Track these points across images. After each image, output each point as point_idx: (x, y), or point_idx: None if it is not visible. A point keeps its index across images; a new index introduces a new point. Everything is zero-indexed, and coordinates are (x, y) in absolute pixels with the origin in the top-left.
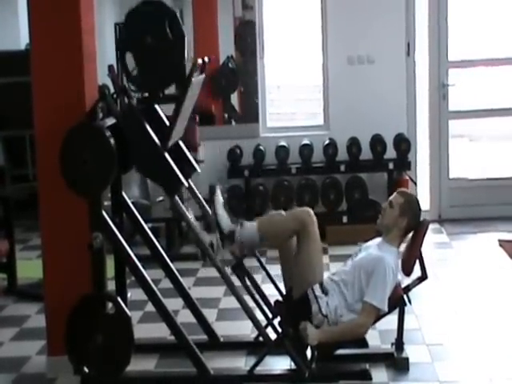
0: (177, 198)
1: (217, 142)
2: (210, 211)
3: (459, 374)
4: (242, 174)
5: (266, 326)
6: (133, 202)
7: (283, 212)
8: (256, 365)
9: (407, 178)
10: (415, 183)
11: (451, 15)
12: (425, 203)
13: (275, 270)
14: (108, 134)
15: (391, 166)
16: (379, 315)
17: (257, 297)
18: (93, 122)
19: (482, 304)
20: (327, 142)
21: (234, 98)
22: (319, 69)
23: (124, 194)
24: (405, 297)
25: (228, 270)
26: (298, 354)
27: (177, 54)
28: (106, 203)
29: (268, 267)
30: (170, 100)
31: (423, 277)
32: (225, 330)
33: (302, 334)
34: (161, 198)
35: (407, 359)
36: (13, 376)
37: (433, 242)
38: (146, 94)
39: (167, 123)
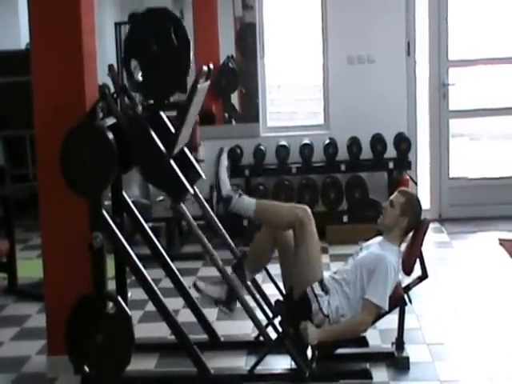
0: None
1: (217, 142)
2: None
3: (460, 373)
4: (243, 174)
5: (267, 326)
6: (133, 202)
7: (284, 204)
8: (256, 364)
9: (407, 177)
10: (415, 183)
11: (451, 15)
12: (425, 202)
13: (276, 269)
14: (108, 133)
15: (391, 165)
16: (380, 313)
17: (257, 296)
18: (93, 121)
19: (482, 303)
20: (327, 141)
21: (235, 98)
22: (319, 68)
23: (124, 193)
24: (405, 296)
25: (228, 269)
26: (298, 353)
27: (182, 61)
28: (106, 203)
29: (268, 267)
30: (176, 107)
31: (424, 276)
32: (225, 329)
33: (302, 333)
34: (161, 198)
35: (408, 358)
36: (13, 376)
37: (433, 241)
38: (151, 101)
39: (172, 130)
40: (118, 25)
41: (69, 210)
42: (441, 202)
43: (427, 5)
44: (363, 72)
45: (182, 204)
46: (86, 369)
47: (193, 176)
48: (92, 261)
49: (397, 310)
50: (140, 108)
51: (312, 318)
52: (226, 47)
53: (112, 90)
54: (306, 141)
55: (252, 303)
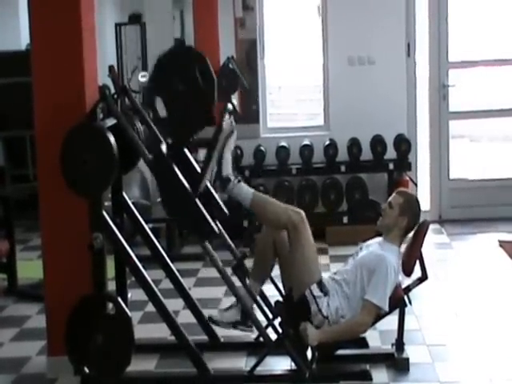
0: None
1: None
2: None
3: (459, 374)
4: (243, 175)
5: (267, 327)
6: (133, 203)
7: (280, 203)
8: (256, 365)
9: (407, 178)
10: (415, 184)
11: (451, 16)
12: (425, 204)
13: (275, 270)
14: (108, 134)
15: (391, 166)
16: (379, 314)
17: (257, 297)
18: (93, 122)
19: (482, 304)
20: (327, 142)
21: (235, 99)
22: (320, 69)
23: (124, 194)
24: (405, 297)
25: (228, 270)
26: (298, 354)
27: (207, 99)
28: (106, 203)
29: None
30: (201, 145)
31: (423, 277)
32: (225, 330)
33: (302, 334)
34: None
35: (407, 360)
36: (13, 376)
37: (433, 242)
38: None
39: (196, 167)
40: (118, 25)
41: (69, 211)
42: (441, 204)
43: (427, 6)
44: (363, 73)
45: (207, 245)
46: (86, 369)
47: (217, 213)
48: (92, 261)
49: (397, 311)
50: (164, 145)
51: (311, 319)
52: (226, 48)
53: (112, 90)
54: (306, 142)
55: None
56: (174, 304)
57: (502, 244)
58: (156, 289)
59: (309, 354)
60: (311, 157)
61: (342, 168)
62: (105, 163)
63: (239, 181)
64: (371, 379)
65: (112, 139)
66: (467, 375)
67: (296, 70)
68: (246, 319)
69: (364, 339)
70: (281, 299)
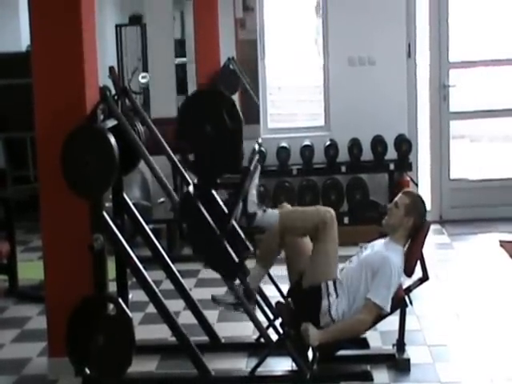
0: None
1: None
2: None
3: (460, 374)
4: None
5: (268, 327)
6: (134, 204)
7: (307, 208)
8: (257, 366)
9: (408, 178)
10: (416, 184)
11: (452, 16)
12: (426, 204)
13: (276, 271)
14: (109, 135)
15: (392, 166)
16: (381, 314)
17: (258, 298)
18: (94, 123)
19: (483, 305)
20: (328, 142)
21: (236, 100)
22: (320, 70)
23: (125, 195)
24: (406, 298)
25: None
26: (299, 355)
27: (234, 142)
28: (107, 204)
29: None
30: (230, 187)
31: (424, 278)
32: (226, 331)
33: (303, 334)
34: (162, 200)
35: (408, 360)
36: (14, 378)
37: (434, 242)
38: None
39: (223, 207)
40: (118, 26)
41: (69, 212)
42: (441, 204)
43: (428, 7)
44: (364, 73)
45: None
46: (87, 370)
47: (242, 251)
48: (93, 262)
49: (398, 312)
50: (192, 187)
51: (319, 317)
52: (227, 49)
53: (113, 91)
54: (307, 142)
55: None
56: (174, 305)
57: (503, 244)
58: (157, 290)
59: (310, 354)
60: (312, 157)
61: (343, 168)
62: (105, 164)
63: (264, 210)
64: (372, 380)
65: (113, 140)
66: (468, 375)
67: (296, 70)
68: (249, 301)
69: (365, 340)
70: (282, 300)
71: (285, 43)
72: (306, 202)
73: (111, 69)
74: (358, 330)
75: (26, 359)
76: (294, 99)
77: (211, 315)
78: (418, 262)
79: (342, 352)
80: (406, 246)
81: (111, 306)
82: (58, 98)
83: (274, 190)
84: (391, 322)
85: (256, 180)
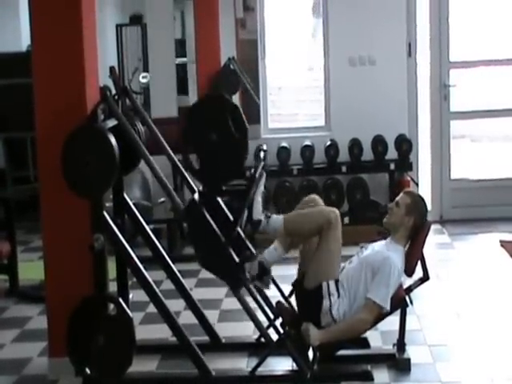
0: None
1: None
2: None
3: (461, 374)
4: (244, 175)
5: (268, 327)
6: (134, 204)
7: (312, 209)
8: (258, 366)
9: (409, 178)
10: (417, 184)
11: (452, 16)
12: (427, 204)
13: (277, 270)
14: (109, 135)
15: (392, 166)
16: (381, 314)
17: (258, 298)
18: (94, 123)
19: (483, 304)
20: (328, 142)
21: (236, 99)
22: (320, 70)
23: (125, 195)
24: (406, 297)
25: None
26: (299, 354)
27: (239, 149)
28: (107, 204)
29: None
30: (234, 194)
31: (425, 277)
32: (226, 331)
33: (303, 334)
34: (162, 200)
35: (409, 360)
36: (14, 378)
37: (434, 242)
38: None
39: (229, 215)
40: (119, 26)
41: (70, 212)
42: (442, 204)
43: (428, 6)
44: (364, 73)
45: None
46: (88, 371)
47: (246, 254)
48: (93, 262)
49: (398, 312)
50: (197, 194)
51: (320, 317)
52: (227, 49)
53: (113, 91)
54: (307, 142)
55: (253, 304)
56: (175, 305)
57: (504, 244)
58: (157, 289)
59: (310, 354)
60: (312, 157)
61: (343, 168)
62: (106, 164)
63: (269, 216)
64: (373, 379)
65: (113, 140)
66: (469, 375)
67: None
68: (262, 276)
69: (365, 339)
70: (282, 300)
71: (285, 43)
72: None
73: (112, 69)
74: (358, 330)
75: (27, 359)
76: (294, 99)
77: (212, 315)
78: (419, 262)
79: (342, 352)
80: (407, 246)
81: (112, 305)
82: (59, 98)
83: (275, 190)
84: (392, 322)
85: (261, 187)
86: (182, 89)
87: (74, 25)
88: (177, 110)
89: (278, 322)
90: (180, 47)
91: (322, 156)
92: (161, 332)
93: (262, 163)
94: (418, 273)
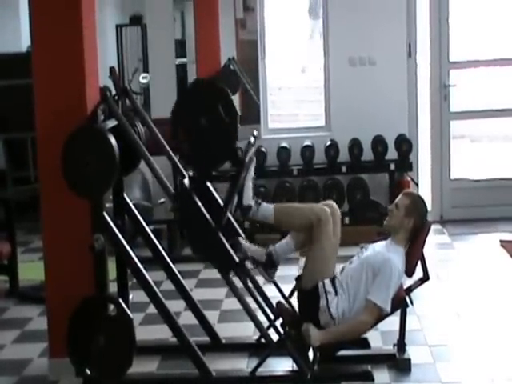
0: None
1: None
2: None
3: (461, 374)
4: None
5: (268, 328)
6: (134, 204)
7: (304, 204)
8: (258, 366)
9: (409, 178)
10: (417, 184)
11: (452, 16)
12: (426, 205)
13: (277, 271)
14: (109, 136)
15: (393, 166)
16: (381, 315)
17: (259, 298)
18: (94, 123)
19: (483, 304)
20: (329, 143)
21: (236, 100)
22: (321, 70)
23: (126, 195)
24: (407, 298)
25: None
26: (299, 355)
27: (229, 134)
28: (107, 205)
29: None
30: (225, 179)
31: (425, 278)
32: (227, 331)
33: (304, 334)
34: (162, 200)
35: (409, 360)
36: (15, 379)
37: (434, 242)
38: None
39: (219, 200)
40: (119, 27)
41: (70, 213)
42: (442, 204)
43: (428, 6)
44: (364, 74)
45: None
46: (88, 371)
47: (235, 240)
48: (93, 263)
49: (398, 312)
50: (187, 179)
51: (319, 316)
52: (227, 49)
53: (113, 92)
54: (307, 142)
55: (253, 305)
56: (175, 305)
57: (504, 244)
58: (157, 290)
59: (310, 354)
60: (312, 157)
61: (343, 169)
62: (106, 165)
63: (259, 204)
64: (373, 380)
65: (113, 141)
66: (469, 375)
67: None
68: (269, 267)
69: (365, 340)
70: (282, 300)
71: (285, 43)
72: (306, 202)
73: (112, 69)
74: (359, 332)
75: (27, 360)
76: (294, 99)
77: (212, 316)
78: (419, 262)
79: (342, 352)
80: (407, 246)
81: (112, 306)
82: (59, 99)
83: (275, 191)
84: (392, 322)
85: (252, 172)
86: (182, 89)
87: (74, 25)
88: None
89: (278, 323)
90: (180, 48)
91: (322, 156)
92: (161, 333)
93: (253, 148)
94: (418, 273)
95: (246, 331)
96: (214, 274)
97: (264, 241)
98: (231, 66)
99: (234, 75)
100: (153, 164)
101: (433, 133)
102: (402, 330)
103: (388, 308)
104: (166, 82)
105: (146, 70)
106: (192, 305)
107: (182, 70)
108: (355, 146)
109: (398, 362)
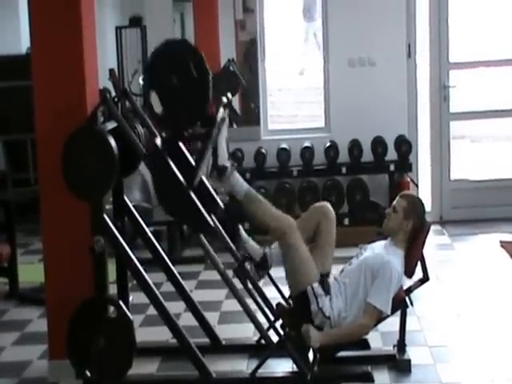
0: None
1: None
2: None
3: (461, 375)
4: (244, 177)
5: (268, 329)
6: (134, 206)
7: (272, 209)
8: (258, 367)
9: (408, 179)
10: (416, 185)
11: (452, 16)
12: (426, 205)
13: (277, 272)
14: (109, 137)
15: (392, 167)
16: (381, 317)
17: (258, 299)
18: (94, 125)
19: (483, 305)
20: (328, 144)
21: (236, 101)
22: (320, 71)
23: (125, 197)
24: (407, 298)
25: (230, 272)
26: (299, 356)
27: (202, 93)
28: (107, 207)
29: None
30: (196, 139)
31: (425, 278)
32: (227, 332)
33: (304, 336)
34: None
35: (409, 361)
36: (14, 381)
37: (434, 243)
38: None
39: (191, 161)
40: (118, 28)
41: (70, 214)
42: (442, 204)
43: (428, 7)
44: (364, 74)
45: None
46: (88, 373)
47: (211, 206)
48: (93, 265)
49: (398, 313)
50: (159, 139)
51: (313, 319)
52: (227, 50)
53: (113, 93)
54: (307, 144)
55: (253, 306)
56: (175, 307)
57: (504, 244)
58: (157, 292)
59: (310, 355)
60: (312, 159)
61: (343, 169)
62: (106, 166)
63: (234, 167)
64: (373, 381)
65: (113, 142)
66: (469, 376)
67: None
68: (261, 267)
69: (365, 341)
70: (282, 301)
71: (284, 45)
72: (306, 203)
73: (111, 71)
74: (359, 334)
75: (27, 362)
76: (294, 100)
77: (212, 317)
78: (419, 263)
79: (342, 353)
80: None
81: (112, 308)
82: (58, 100)
83: (275, 192)
84: (392, 323)
85: (225, 133)
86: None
87: (73, 27)
88: None
89: (278, 324)
90: None
91: (322, 157)
92: (161, 334)
93: (226, 109)
94: (418, 274)
95: (246, 332)
96: (214, 275)
97: (262, 242)
98: (231, 68)
99: (233, 76)
100: None
101: (432, 133)
102: (402, 331)
103: (388, 310)
104: None
105: None
106: (192, 306)
107: None
108: (355, 146)
109: (398, 363)
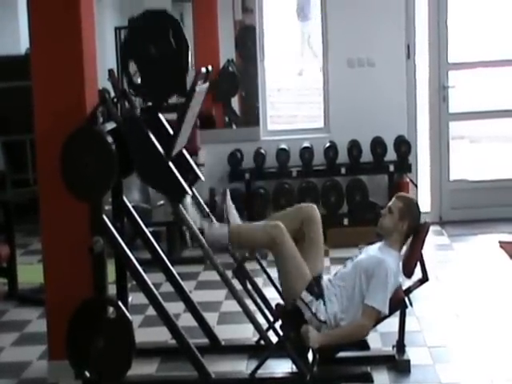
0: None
1: (217, 146)
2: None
3: (461, 375)
4: (243, 178)
5: (268, 330)
6: (133, 206)
7: (257, 223)
8: (257, 368)
9: (408, 180)
10: (416, 185)
11: (451, 17)
12: (425, 205)
13: (276, 272)
14: (108, 138)
15: (392, 168)
16: (380, 317)
17: (258, 300)
18: (93, 126)
19: (483, 305)
20: (328, 144)
21: (235, 102)
22: (319, 71)
23: (125, 197)
24: (406, 299)
25: (229, 273)
26: (299, 356)
27: (180, 63)
28: (106, 207)
29: (269, 270)
30: (174, 109)
31: (424, 279)
32: (226, 333)
33: (303, 336)
34: (161, 202)
35: (408, 361)
36: (14, 381)
37: (434, 243)
38: (150, 103)
39: (171, 132)
40: (118, 29)
41: (69, 215)
42: (441, 205)
43: (427, 7)
44: (363, 75)
45: (180, 206)
46: (87, 374)
47: (192, 178)
48: (92, 265)
49: (397, 313)
50: (138, 110)
51: (308, 323)
52: (226, 51)
53: (112, 94)
54: (306, 144)
55: (253, 307)
56: (174, 307)
57: (503, 245)
58: (156, 292)
59: (310, 356)
60: (311, 159)
61: (343, 170)
62: (105, 167)
63: (210, 225)
64: (372, 381)
65: (112, 143)
66: (468, 377)
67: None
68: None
69: (365, 341)
70: (282, 302)
71: (284, 45)
72: (306, 203)
73: (110, 71)
74: (358, 335)
75: (26, 362)
76: (293, 101)
77: (211, 317)
78: (418, 263)
79: (342, 354)
80: (402, 250)
81: (111, 308)
82: (58, 101)
83: (274, 192)
84: (391, 324)
85: (200, 104)
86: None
87: (72, 27)
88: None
89: (277, 324)
90: None
91: (321, 158)
92: (160, 335)
93: (203, 79)
94: (418, 274)
95: (246, 333)
96: (213, 276)
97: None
98: (230, 68)
99: (233, 77)
100: None
101: (432, 134)
102: (402, 332)
103: (386, 310)
104: None
105: None
106: (191, 307)
107: None
108: (354, 147)
109: (398, 364)
